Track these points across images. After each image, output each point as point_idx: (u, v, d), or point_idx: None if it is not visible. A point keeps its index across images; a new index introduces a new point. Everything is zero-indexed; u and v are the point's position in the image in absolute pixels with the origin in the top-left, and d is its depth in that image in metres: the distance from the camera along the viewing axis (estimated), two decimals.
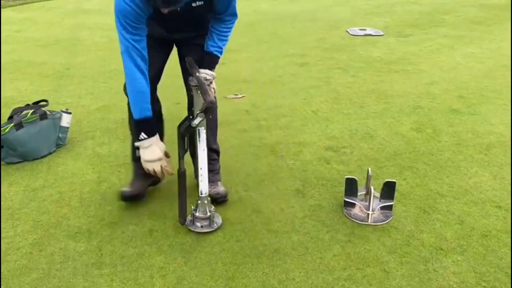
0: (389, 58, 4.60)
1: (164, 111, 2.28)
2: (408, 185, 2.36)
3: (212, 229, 2.04)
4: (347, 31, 5.81)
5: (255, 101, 3.60)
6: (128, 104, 2.09)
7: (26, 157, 2.70)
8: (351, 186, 2.15)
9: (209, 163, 2.14)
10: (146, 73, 1.91)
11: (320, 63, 4.55)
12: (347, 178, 2.15)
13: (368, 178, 2.15)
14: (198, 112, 1.89)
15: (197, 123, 1.89)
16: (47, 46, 5.53)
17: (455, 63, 4.44)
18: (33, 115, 2.76)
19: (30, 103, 2.90)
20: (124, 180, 2.47)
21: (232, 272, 1.81)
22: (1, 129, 2.66)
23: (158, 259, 1.88)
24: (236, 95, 3.72)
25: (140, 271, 1.82)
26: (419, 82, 3.91)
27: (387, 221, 2.08)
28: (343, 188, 2.18)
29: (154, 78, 2.10)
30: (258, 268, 1.82)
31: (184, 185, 2.00)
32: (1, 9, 8.11)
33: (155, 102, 2.14)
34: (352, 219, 2.09)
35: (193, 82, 1.95)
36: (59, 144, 2.87)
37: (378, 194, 2.15)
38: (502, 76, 4.01)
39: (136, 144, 1.98)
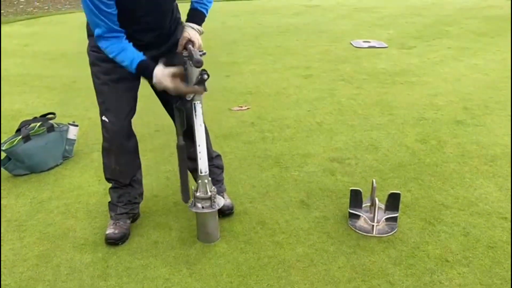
0: (393, 70, 4.62)
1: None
2: (413, 197, 2.36)
3: (213, 210, 1.99)
4: (351, 43, 5.85)
5: (259, 113, 3.62)
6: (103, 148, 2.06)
7: (34, 169, 2.73)
8: (355, 198, 2.16)
9: (212, 173, 2.14)
10: (117, 27, 1.77)
11: (324, 75, 4.58)
12: (351, 190, 2.16)
13: (372, 189, 2.16)
14: (192, 84, 1.85)
15: (192, 95, 1.87)
16: (55, 59, 5.60)
17: (459, 74, 4.45)
18: (41, 128, 2.79)
19: (38, 115, 2.94)
20: None
21: (237, 284, 1.81)
22: (10, 141, 2.69)
23: (163, 270, 1.89)
24: (241, 107, 3.75)
25: (146, 283, 1.82)
26: (423, 93, 3.92)
27: (392, 232, 2.08)
28: (348, 200, 2.19)
29: (129, 114, 2.02)
30: (263, 280, 1.82)
31: (184, 159, 1.98)
32: (10, 24, 8.24)
33: (132, 137, 2.07)
34: (357, 231, 2.09)
35: (185, 52, 1.89)
36: (66, 156, 2.90)
37: (383, 206, 2.15)
38: (507, 87, 4.01)
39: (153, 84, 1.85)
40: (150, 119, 3.51)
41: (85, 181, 2.65)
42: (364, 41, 5.91)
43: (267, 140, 3.11)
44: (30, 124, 2.80)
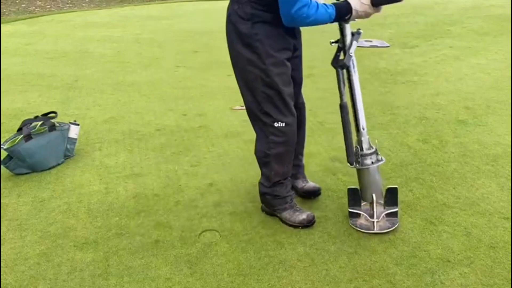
0: (395, 69, 4.61)
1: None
2: (414, 196, 2.36)
3: (382, 162, 2.05)
4: None
5: None
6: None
7: (35, 168, 2.73)
8: (353, 196, 2.15)
9: (300, 160, 2.31)
10: None
11: (326, 74, 4.56)
12: (349, 188, 2.16)
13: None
14: (349, 40, 1.95)
15: (353, 50, 1.94)
16: (56, 58, 5.61)
17: (461, 74, 4.44)
18: (42, 127, 2.80)
19: (39, 114, 2.94)
20: (130, 191, 2.49)
21: (237, 283, 1.81)
22: (11, 140, 2.70)
23: (164, 270, 1.89)
24: (242, 106, 3.73)
25: (146, 282, 1.82)
26: (425, 93, 3.91)
27: (393, 227, 2.07)
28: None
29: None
30: (264, 279, 1.82)
31: (347, 119, 1.99)
32: (12, 23, 8.25)
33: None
34: (358, 229, 2.09)
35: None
36: (67, 155, 2.90)
37: (382, 202, 2.14)
38: (509, 87, 3.99)
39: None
40: (150, 118, 3.51)
41: (86, 180, 2.65)
42: (366, 40, 5.90)
43: None
44: (31, 123, 2.80)
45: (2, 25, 7.74)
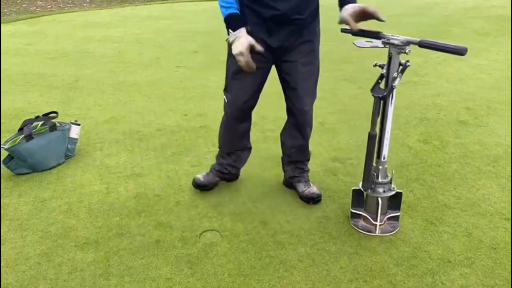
0: None
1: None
2: (415, 197, 2.36)
3: (392, 193, 2.07)
4: (354, 43, 5.84)
5: (261, 113, 3.61)
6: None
7: (36, 168, 2.73)
8: (357, 197, 2.15)
9: (301, 163, 2.39)
10: None
11: (327, 74, 4.55)
12: (353, 189, 2.15)
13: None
14: (396, 72, 1.93)
15: (397, 83, 1.91)
16: (57, 58, 5.61)
17: (462, 74, 4.44)
18: (43, 127, 2.80)
19: (40, 114, 2.94)
20: (131, 191, 2.49)
21: (238, 283, 1.81)
22: (12, 140, 2.70)
23: (165, 270, 1.89)
24: None
25: (147, 282, 1.83)
26: (425, 93, 3.91)
27: (394, 232, 2.07)
28: (349, 200, 2.19)
29: (245, 104, 2.25)
30: (265, 279, 1.82)
31: (372, 149, 1.99)
32: (13, 23, 8.26)
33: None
34: (360, 230, 2.09)
35: (396, 41, 1.92)
36: (68, 155, 2.90)
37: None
38: (510, 87, 4.00)
39: (227, 40, 2.01)
40: (151, 118, 3.51)
41: (87, 180, 2.65)
42: (367, 41, 5.89)
43: (269, 140, 3.11)
44: (32, 123, 2.80)
45: (2, 25, 7.75)
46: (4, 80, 4.72)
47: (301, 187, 2.39)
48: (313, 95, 2.26)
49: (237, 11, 2.00)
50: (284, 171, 2.48)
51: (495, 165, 2.65)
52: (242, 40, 1.92)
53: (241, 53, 1.91)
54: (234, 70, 2.13)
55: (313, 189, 2.37)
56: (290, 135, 2.34)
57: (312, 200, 2.33)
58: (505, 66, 4.69)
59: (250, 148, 2.50)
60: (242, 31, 1.94)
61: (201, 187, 2.44)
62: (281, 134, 2.42)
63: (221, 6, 2.01)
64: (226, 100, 2.26)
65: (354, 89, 4.03)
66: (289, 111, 2.29)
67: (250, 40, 1.92)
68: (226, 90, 2.25)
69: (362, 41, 5.93)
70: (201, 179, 2.45)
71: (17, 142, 2.68)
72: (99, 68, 5.05)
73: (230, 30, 1.98)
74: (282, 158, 2.48)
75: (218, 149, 2.49)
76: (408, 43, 1.87)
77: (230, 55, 2.09)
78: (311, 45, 2.17)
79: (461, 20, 7.19)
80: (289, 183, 2.45)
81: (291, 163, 2.41)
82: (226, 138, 2.42)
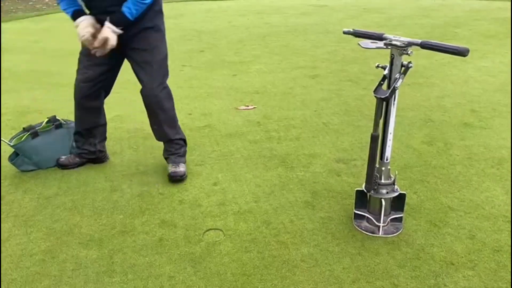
0: None
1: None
2: (418, 199, 2.36)
3: (395, 194, 2.06)
4: (359, 44, 5.83)
5: (266, 113, 3.62)
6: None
7: (41, 165, 2.75)
8: (361, 199, 2.15)
9: (172, 147, 2.61)
10: None
11: (331, 75, 4.57)
12: (357, 191, 2.15)
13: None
14: (398, 73, 1.93)
15: (399, 84, 1.90)
16: (63, 56, 5.64)
17: (467, 76, 4.43)
18: (48, 124, 2.81)
19: (45, 112, 2.95)
20: (135, 189, 2.51)
21: (241, 283, 1.81)
22: (18, 137, 2.71)
23: (168, 268, 1.90)
24: (247, 106, 3.75)
25: (150, 280, 1.83)
26: (430, 95, 3.91)
27: (397, 233, 2.07)
28: (353, 201, 2.19)
29: (92, 86, 2.62)
30: (267, 279, 1.83)
31: (375, 150, 1.99)
32: (19, 20, 8.30)
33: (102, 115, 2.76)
34: (363, 231, 2.09)
35: (398, 42, 1.90)
36: (73, 152, 2.91)
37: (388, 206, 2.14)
38: None
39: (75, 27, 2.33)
40: None
41: (92, 177, 2.66)
42: (372, 42, 5.89)
43: (273, 140, 3.11)
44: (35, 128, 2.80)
45: (10, 23, 7.79)
46: (11, 77, 4.75)
47: (168, 167, 2.59)
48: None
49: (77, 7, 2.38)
50: None
51: (499, 168, 2.64)
52: (81, 30, 2.32)
53: (85, 32, 2.32)
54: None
55: (179, 169, 2.56)
56: (148, 114, 2.62)
57: (173, 178, 2.53)
58: (510, 68, 4.67)
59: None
60: (81, 22, 2.34)
61: (62, 166, 2.72)
62: None
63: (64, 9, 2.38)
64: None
65: (359, 90, 4.03)
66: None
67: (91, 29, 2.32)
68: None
69: (367, 42, 5.92)
70: (63, 159, 2.74)
71: (22, 139, 2.70)
72: None
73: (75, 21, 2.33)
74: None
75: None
76: (410, 44, 1.87)
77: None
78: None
79: (467, 22, 7.16)
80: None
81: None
82: (76, 118, 2.74)
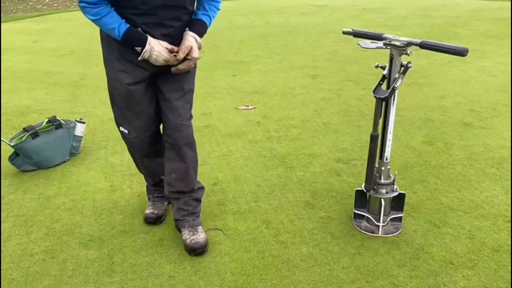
0: None
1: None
2: (418, 198, 2.36)
3: (395, 194, 2.06)
4: (359, 44, 5.83)
5: (266, 112, 3.62)
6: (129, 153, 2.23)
7: (41, 165, 2.76)
8: (360, 198, 2.16)
9: (188, 205, 2.05)
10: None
11: (331, 75, 4.58)
12: (356, 190, 2.16)
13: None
14: (397, 73, 1.92)
15: (398, 84, 1.90)
16: (63, 56, 5.64)
17: (467, 76, 4.43)
18: (49, 124, 2.82)
19: (45, 112, 2.96)
20: (136, 189, 2.51)
21: (241, 282, 1.82)
22: (18, 137, 2.72)
23: (168, 268, 1.90)
24: (248, 106, 3.76)
25: (150, 280, 1.84)
26: (430, 95, 3.91)
27: (396, 233, 2.07)
28: (353, 200, 2.19)
29: (146, 130, 2.04)
30: (267, 279, 1.83)
31: (374, 150, 1.99)
32: (20, 21, 8.30)
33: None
34: (362, 231, 2.09)
35: (398, 42, 1.90)
36: (73, 153, 2.92)
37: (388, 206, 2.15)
38: None
39: (140, 58, 1.80)
40: None
41: (92, 177, 2.67)
42: (372, 42, 5.89)
43: (273, 140, 3.12)
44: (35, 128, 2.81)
45: (10, 23, 7.79)
46: (11, 77, 4.76)
47: (185, 234, 2.02)
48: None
49: (128, 24, 1.77)
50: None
51: (499, 168, 2.65)
52: (158, 48, 1.79)
53: (166, 54, 1.81)
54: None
55: (199, 237, 1.99)
56: (168, 158, 2.03)
57: (193, 252, 1.95)
58: (510, 68, 4.67)
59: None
60: (151, 41, 1.79)
61: (158, 219, 2.19)
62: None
63: (105, 24, 1.76)
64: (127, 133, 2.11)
65: (359, 90, 4.03)
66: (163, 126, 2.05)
67: (165, 44, 1.82)
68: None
69: (367, 42, 5.93)
70: (154, 211, 2.20)
71: (23, 140, 2.70)
72: None
73: (136, 48, 1.79)
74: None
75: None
76: (410, 44, 1.87)
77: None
78: None
79: (467, 22, 7.16)
80: (178, 228, 2.10)
81: (174, 199, 2.09)
82: (139, 167, 2.27)
